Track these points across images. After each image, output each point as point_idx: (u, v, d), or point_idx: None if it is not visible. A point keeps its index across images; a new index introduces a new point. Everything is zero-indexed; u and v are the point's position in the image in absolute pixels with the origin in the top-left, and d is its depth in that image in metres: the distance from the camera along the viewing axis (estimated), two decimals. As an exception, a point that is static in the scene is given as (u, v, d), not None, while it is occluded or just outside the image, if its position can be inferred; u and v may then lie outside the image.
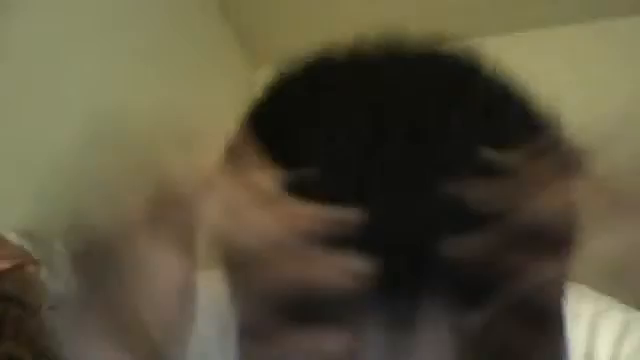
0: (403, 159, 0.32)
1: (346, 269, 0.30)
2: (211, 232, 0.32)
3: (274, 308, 0.31)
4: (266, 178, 0.32)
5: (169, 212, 0.32)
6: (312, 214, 0.30)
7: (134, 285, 0.32)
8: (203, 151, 0.35)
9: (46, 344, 1.00)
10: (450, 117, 0.32)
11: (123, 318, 0.31)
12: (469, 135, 0.32)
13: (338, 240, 0.30)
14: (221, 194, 0.32)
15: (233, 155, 0.34)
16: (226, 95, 1.75)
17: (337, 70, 0.35)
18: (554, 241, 0.32)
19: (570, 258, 0.32)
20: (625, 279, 0.32)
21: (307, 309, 0.31)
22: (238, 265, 0.33)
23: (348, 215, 0.30)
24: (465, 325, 0.31)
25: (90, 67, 1.46)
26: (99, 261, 0.33)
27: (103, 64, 1.50)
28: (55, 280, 1.11)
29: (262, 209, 0.30)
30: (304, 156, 0.32)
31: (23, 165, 1.26)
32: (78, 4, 1.47)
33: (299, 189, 0.31)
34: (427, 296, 0.31)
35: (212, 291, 0.44)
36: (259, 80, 0.38)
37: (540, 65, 2.06)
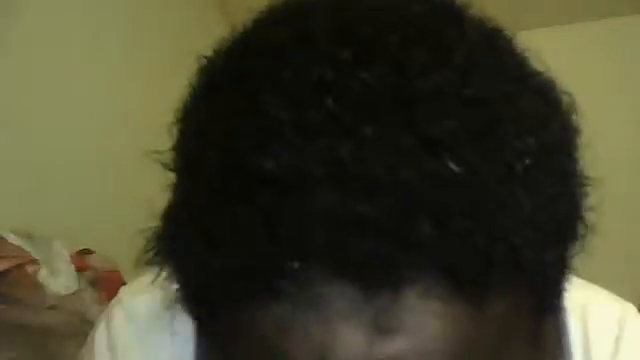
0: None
1: None
2: None
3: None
4: None
5: None
6: None
7: None
8: None
9: (45, 343, 1.00)
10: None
11: None
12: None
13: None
14: None
15: None
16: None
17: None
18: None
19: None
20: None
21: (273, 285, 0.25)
22: None
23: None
24: (458, 309, 0.24)
25: (88, 67, 1.46)
26: None
27: (102, 62, 1.50)
28: (54, 280, 1.11)
29: None
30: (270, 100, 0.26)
31: (23, 165, 1.26)
32: (76, 4, 1.47)
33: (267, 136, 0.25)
34: (411, 277, 0.24)
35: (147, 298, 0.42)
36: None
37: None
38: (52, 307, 1.10)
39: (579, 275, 0.40)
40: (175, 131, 0.31)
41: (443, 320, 0.24)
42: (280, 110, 0.25)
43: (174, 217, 0.29)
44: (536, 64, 0.30)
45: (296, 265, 0.24)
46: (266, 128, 0.25)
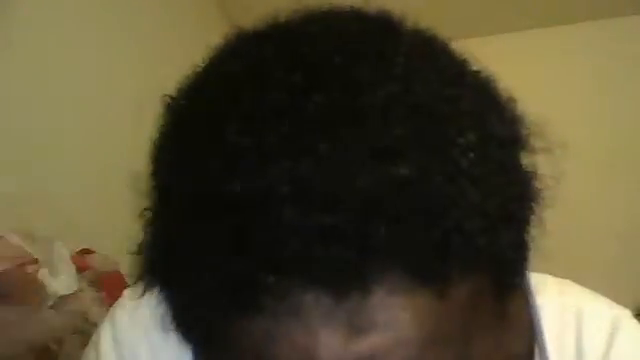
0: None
1: None
2: None
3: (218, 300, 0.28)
4: None
5: None
6: None
7: None
8: None
9: (45, 343, 1.00)
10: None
11: None
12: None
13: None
14: None
15: None
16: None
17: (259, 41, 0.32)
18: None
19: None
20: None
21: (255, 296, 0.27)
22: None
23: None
24: (424, 301, 0.26)
25: (87, 66, 1.46)
26: None
27: (101, 62, 1.50)
28: (54, 280, 1.11)
29: None
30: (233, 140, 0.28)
31: (24, 165, 1.26)
32: (76, 3, 1.47)
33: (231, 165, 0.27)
34: (376, 277, 0.26)
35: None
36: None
37: (540, 64, 2.06)
38: (52, 307, 1.10)
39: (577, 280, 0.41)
40: (150, 168, 0.33)
41: (410, 312, 0.26)
42: (241, 138, 0.27)
43: (153, 246, 0.31)
44: (474, 64, 0.32)
45: (271, 279, 0.26)
46: (230, 155, 0.27)
